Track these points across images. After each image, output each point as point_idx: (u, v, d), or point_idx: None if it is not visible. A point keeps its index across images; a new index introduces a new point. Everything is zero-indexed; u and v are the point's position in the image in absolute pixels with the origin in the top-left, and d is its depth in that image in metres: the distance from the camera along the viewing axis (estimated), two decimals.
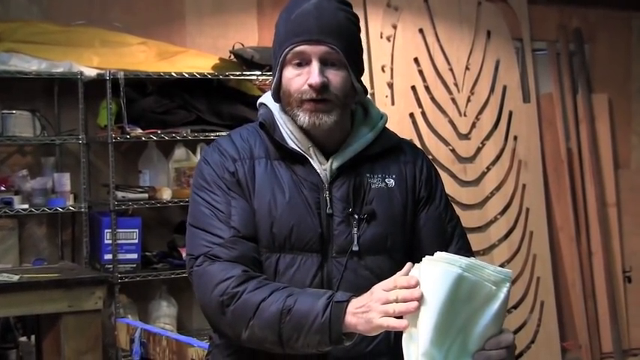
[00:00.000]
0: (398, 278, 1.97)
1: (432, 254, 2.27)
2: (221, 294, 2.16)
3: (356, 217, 2.26)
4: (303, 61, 2.25)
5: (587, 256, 6.91)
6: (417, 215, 2.38)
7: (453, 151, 6.52)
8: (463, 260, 1.95)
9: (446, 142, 6.51)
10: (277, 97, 2.33)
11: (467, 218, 6.49)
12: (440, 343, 1.90)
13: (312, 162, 2.29)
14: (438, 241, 2.38)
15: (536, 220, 6.77)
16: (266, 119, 2.34)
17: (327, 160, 2.31)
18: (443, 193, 2.45)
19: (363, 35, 6.10)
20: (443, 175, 6.37)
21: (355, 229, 2.26)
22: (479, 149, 6.63)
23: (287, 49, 2.25)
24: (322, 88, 2.23)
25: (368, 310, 1.99)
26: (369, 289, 2.13)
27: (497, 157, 6.69)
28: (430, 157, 6.33)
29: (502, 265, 6.56)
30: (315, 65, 2.23)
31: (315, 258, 2.25)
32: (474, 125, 6.62)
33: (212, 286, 2.18)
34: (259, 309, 2.11)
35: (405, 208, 2.35)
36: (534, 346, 6.65)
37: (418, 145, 6.32)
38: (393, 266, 2.27)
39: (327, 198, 2.27)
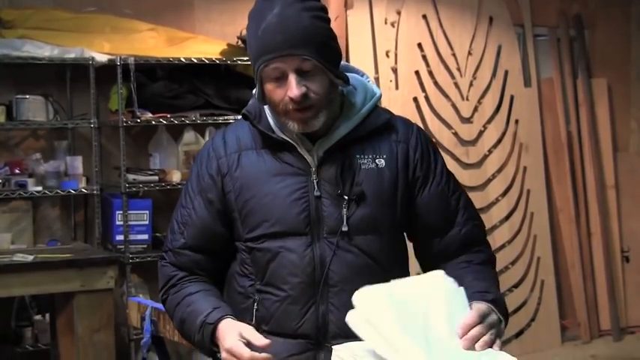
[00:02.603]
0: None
1: (440, 229, 2.35)
2: (162, 295, 2.43)
3: (345, 198, 2.26)
4: (281, 75, 2.23)
5: (587, 236, 6.93)
6: (417, 194, 2.36)
7: (455, 134, 6.53)
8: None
9: (449, 126, 6.52)
10: (263, 102, 2.32)
11: None
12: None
13: (298, 149, 2.30)
14: (444, 215, 2.38)
15: (536, 202, 6.78)
16: (250, 110, 2.36)
17: (314, 144, 2.30)
18: (443, 168, 2.42)
19: (367, 21, 6.17)
20: (445, 158, 6.34)
21: (344, 210, 2.26)
22: (481, 132, 6.64)
23: (261, 66, 2.24)
24: (303, 99, 2.21)
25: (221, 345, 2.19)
26: (362, 268, 2.24)
27: (499, 141, 6.70)
28: (433, 140, 6.35)
29: (503, 246, 6.59)
30: (291, 78, 2.21)
31: (304, 239, 2.26)
32: (476, 109, 6.63)
33: (160, 287, 2.44)
34: (174, 313, 2.37)
35: (395, 188, 2.34)
36: (534, 323, 6.68)
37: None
38: (382, 245, 2.30)
39: (315, 181, 2.27)
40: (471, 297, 2.18)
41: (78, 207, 5.70)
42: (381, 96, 2.42)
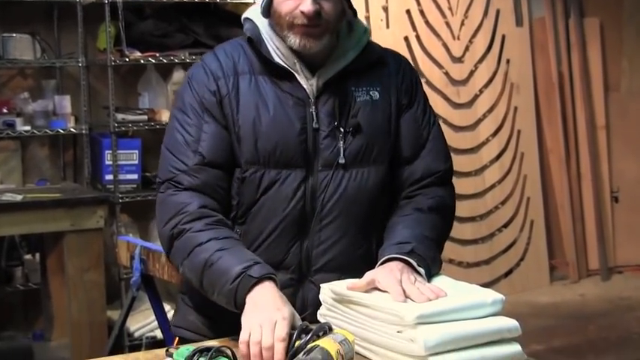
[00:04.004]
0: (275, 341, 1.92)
1: (406, 159, 2.36)
2: (172, 227, 2.20)
3: (341, 130, 2.26)
4: None
5: (576, 177, 6.95)
6: (399, 122, 2.38)
7: (446, 74, 6.52)
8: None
9: (439, 65, 6.50)
10: (267, 13, 2.30)
11: (459, 140, 6.52)
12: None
13: (298, 77, 2.28)
14: (413, 144, 2.38)
15: (527, 142, 6.79)
16: (253, 34, 2.32)
17: (313, 75, 2.29)
18: (422, 99, 2.44)
19: None
20: (436, 97, 6.40)
21: (341, 142, 2.26)
22: (472, 72, 6.63)
23: None
24: (315, 16, 2.21)
25: (251, 316, 1.99)
26: (353, 199, 2.24)
27: (490, 80, 6.69)
28: (424, 80, 6.34)
29: (493, 186, 6.62)
30: None
31: (299, 172, 2.25)
32: (467, 49, 6.61)
33: (168, 218, 2.22)
34: (193, 252, 2.16)
35: (389, 118, 2.35)
36: (523, 263, 6.72)
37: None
38: (376, 177, 2.31)
39: (314, 113, 2.26)
40: (389, 249, 2.19)
41: (67, 147, 5.70)
42: (370, 31, 2.43)
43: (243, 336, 1.95)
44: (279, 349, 1.88)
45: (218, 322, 2.32)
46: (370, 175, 2.31)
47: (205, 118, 2.26)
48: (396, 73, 2.40)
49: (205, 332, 2.35)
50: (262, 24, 2.33)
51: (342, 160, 2.27)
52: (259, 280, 2.03)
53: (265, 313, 1.95)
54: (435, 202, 2.37)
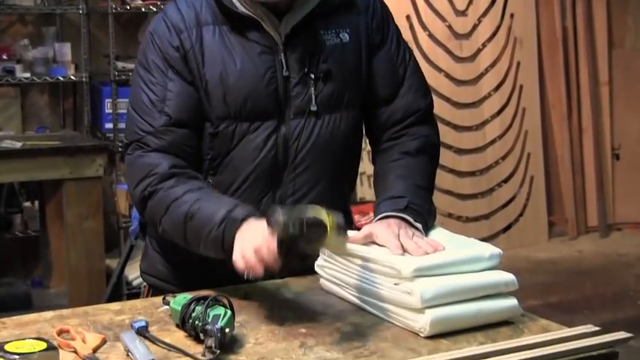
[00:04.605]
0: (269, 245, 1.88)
1: (384, 99, 2.33)
2: (143, 189, 2.16)
3: (312, 76, 2.20)
4: None
5: (578, 133, 6.94)
6: (371, 62, 2.33)
7: (449, 27, 6.48)
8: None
9: (442, 18, 6.46)
10: None
11: (460, 94, 6.50)
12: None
13: (264, 25, 2.20)
14: (390, 83, 2.34)
15: (529, 98, 6.78)
16: None
17: (279, 22, 2.22)
18: (395, 35, 2.37)
19: None
20: (438, 51, 6.38)
21: (312, 88, 2.21)
22: (475, 26, 6.59)
23: None
24: None
25: (241, 245, 1.95)
26: (326, 147, 2.21)
27: (493, 34, 6.65)
28: (426, 32, 6.32)
29: (493, 141, 6.61)
30: None
31: (271, 122, 2.21)
32: (470, 2, 6.56)
33: (138, 180, 2.17)
34: (170, 208, 2.12)
35: (360, 60, 2.30)
36: (522, 219, 6.74)
37: (415, 21, 6.30)
38: (349, 122, 2.28)
39: (283, 60, 2.20)
40: (384, 206, 2.18)
41: (67, 94, 5.69)
42: None
43: (235, 255, 1.94)
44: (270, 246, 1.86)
45: (184, 272, 2.31)
46: (342, 121, 2.26)
47: (170, 76, 2.20)
48: (365, 12, 2.33)
49: (175, 282, 2.32)
50: None
51: (313, 108, 2.21)
52: (243, 220, 2.00)
53: (254, 235, 1.93)
54: (421, 142, 2.34)
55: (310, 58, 2.23)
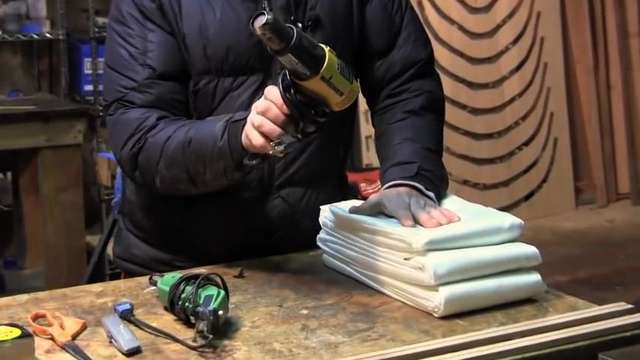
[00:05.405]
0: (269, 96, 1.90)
1: (380, 51, 2.34)
2: (132, 146, 2.14)
3: (299, 25, 2.13)
4: None
5: (606, 89, 6.92)
6: (364, 10, 2.33)
7: None
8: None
9: None
10: None
11: (475, 48, 6.48)
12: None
13: None
14: (386, 34, 2.34)
15: (551, 51, 6.76)
16: None
17: None
18: None
19: None
20: (450, 0, 6.34)
21: None
22: None
23: None
24: None
25: (248, 128, 1.95)
26: None
27: None
28: None
29: (512, 100, 6.60)
30: None
31: (256, 77, 2.20)
32: None
33: (125, 139, 2.16)
34: (164, 148, 2.10)
35: (350, 7, 2.30)
36: (546, 185, 6.74)
37: None
38: None
39: (266, 7, 2.19)
40: (392, 173, 2.17)
41: (42, 54, 5.68)
42: None
43: (246, 135, 1.94)
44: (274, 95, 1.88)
45: (166, 252, 2.29)
46: None
47: (149, 26, 2.19)
48: None
49: (154, 266, 2.28)
50: None
51: None
52: (246, 122, 1.98)
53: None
54: (426, 99, 2.34)
55: (297, 5, 2.22)
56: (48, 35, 5.42)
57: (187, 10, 2.19)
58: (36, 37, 5.38)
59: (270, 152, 1.90)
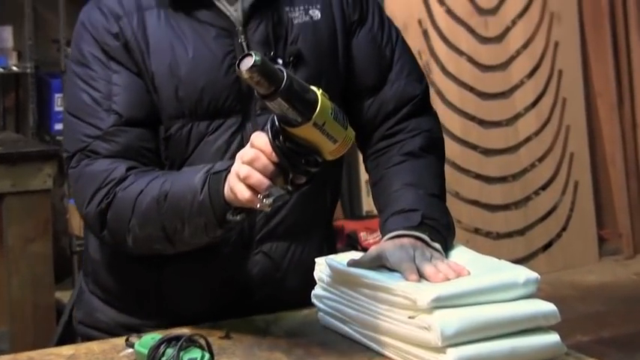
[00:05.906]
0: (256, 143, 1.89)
1: (371, 87, 2.36)
2: (100, 201, 2.13)
3: (280, 61, 2.09)
4: None
5: (631, 127, 6.95)
6: (350, 43, 2.35)
7: (471, 1, 6.49)
8: None
9: None
10: None
11: (487, 81, 6.51)
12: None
13: (217, 3, 2.22)
14: (376, 68, 2.36)
15: (570, 85, 6.79)
16: None
17: None
18: (376, 10, 2.40)
19: None
20: (459, 29, 6.38)
21: None
22: None
23: None
24: None
25: (233, 180, 1.94)
26: None
27: (525, 9, 6.67)
28: (444, 8, 6.33)
29: (528, 139, 6.62)
30: None
31: (234, 119, 2.21)
32: None
33: (91, 194, 2.15)
34: (136, 204, 2.10)
35: (335, 40, 2.32)
36: (566, 234, 6.74)
37: None
38: None
39: (244, 43, 2.21)
40: (394, 222, 2.19)
41: (8, 89, 5.69)
42: None
43: (231, 187, 1.92)
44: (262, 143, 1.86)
45: (135, 315, 2.29)
46: None
47: (113, 67, 2.19)
48: None
49: (123, 333, 2.21)
50: None
51: None
52: (227, 171, 1.97)
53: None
54: (424, 139, 2.36)
55: (276, 40, 2.24)
56: (14, 68, 5.43)
57: (156, 47, 2.20)
58: (1, 70, 5.39)
59: (258, 206, 1.89)
